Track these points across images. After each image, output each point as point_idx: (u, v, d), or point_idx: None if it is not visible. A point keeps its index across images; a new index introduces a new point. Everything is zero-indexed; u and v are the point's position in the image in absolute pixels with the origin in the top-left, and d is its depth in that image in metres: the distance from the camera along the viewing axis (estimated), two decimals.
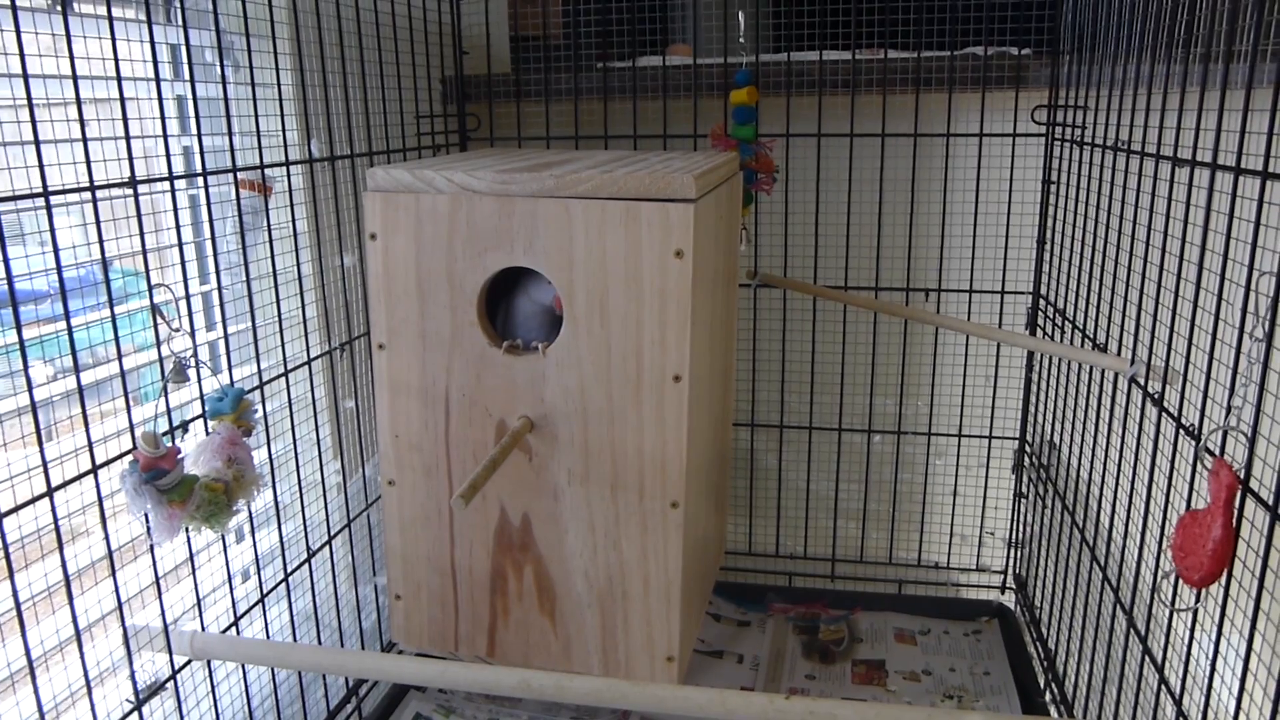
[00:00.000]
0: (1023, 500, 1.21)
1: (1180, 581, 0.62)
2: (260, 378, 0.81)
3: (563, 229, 0.74)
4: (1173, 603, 0.67)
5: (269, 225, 0.83)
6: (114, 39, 0.63)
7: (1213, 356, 0.61)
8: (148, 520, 0.62)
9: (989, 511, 1.24)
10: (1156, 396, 0.71)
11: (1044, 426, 1.11)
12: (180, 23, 0.71)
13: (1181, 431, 0.66)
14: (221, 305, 0.78)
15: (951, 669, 1.05)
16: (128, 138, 0.64)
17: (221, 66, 0.77)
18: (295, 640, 0.90)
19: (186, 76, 0.74)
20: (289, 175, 0.85)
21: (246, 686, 0.83)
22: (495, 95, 1.20)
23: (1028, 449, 1.19)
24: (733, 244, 0.97)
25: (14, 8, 0.56)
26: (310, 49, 0.86)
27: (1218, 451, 0.58)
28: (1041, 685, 1.03)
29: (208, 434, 0.69)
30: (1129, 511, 0.77)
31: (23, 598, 0.58)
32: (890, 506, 1.26)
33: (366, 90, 0.97)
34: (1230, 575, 0.57)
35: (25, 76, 0.55)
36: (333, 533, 0.95)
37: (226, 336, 0.80)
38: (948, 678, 1.03)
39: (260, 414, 0.79)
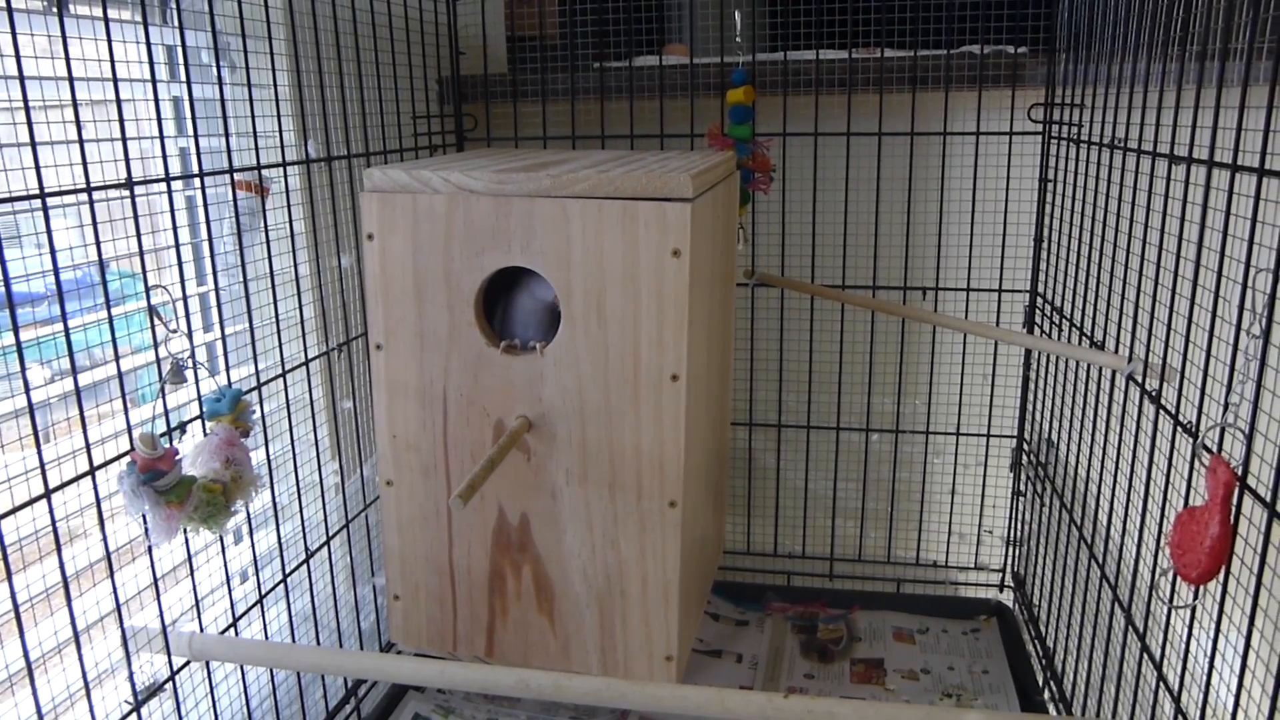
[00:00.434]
0: (1021, 498, 1.21)
1: (1178, 579, 0.62)
2: (258, 379, 0.81)
3: (560, 229, 0.74)
4: (1171, 600, 0.67)
5: (266, 226, 0.82)
6: (110, 40, 0.63)
7: (1210, 353, 0.61)
8: (146, 521, 0.62)
9: (987, 510, 1.24)
10: (1154, 394, 0.71)
11: (1042, 425, 1.11)
12: (176, 24, 0.71)
13: (1179, 429, 0.66)
14: (219, 306, 0.78)
15: (950, 667, 1.05)
16: (124, 139, 0.64)
17: (218, 67, 0.77)
18: (294, 641, 0.90)
19: (183, 77, 0.74)
20: (286, 176, 0.85)
21: (245, 687, 0.83)
22: (492, 95, 1.20)
23: (1026, 447, 1.19)
24: (730, 243, 0.97)
25: (10, 9, 0.56)
26: (306, 50, 0.86)
27: (1215, 449, 0.58)
28: (1040, 683, 1.03)
29: (205, 435, 0.69)
30: (1127, 509, 0.77)
31: (21, 599, 0.58)
32: (888, 505, 1.26)
33: (363, 91, 0.97)
34: (1228, 572, 0.57)
35: (21, 78, 0.55)
36: (331, 533, 0.95)
37: (224, 337, 0.80)
38: (946, 676, 1.03)
39: (258, 415, 0.79)
